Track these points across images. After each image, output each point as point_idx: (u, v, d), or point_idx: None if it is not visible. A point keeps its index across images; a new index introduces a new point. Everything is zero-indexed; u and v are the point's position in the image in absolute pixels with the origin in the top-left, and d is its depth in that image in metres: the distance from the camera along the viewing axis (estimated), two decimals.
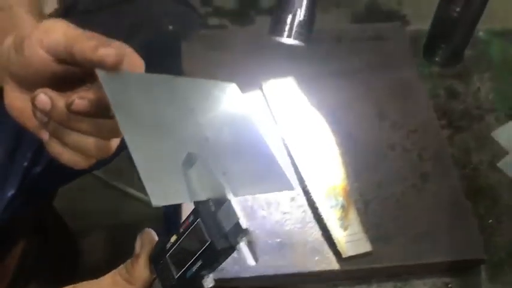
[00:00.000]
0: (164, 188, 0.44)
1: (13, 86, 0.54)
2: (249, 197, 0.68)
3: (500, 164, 0.73)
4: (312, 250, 0.64)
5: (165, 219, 1.22)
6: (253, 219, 0.66)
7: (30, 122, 0.53)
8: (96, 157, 0.54)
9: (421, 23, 0.83)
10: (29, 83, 0.52)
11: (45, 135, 0.53)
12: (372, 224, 0.66)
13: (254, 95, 0.77)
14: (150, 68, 0.89)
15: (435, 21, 0.80)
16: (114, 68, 0.46)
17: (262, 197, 0.68)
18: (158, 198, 0.42)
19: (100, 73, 0.46)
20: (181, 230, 0.46)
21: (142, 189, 0.41)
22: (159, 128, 0.49)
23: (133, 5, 0.90)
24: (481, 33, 0.87)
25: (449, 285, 0.65)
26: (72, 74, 0.50)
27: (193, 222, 0.45)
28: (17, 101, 0.54)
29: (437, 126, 0.75)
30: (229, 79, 0.77)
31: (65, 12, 0.93)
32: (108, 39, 0.51)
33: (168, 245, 0.47)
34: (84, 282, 0.47)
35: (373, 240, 0.64)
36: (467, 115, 0.78)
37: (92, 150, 0.53)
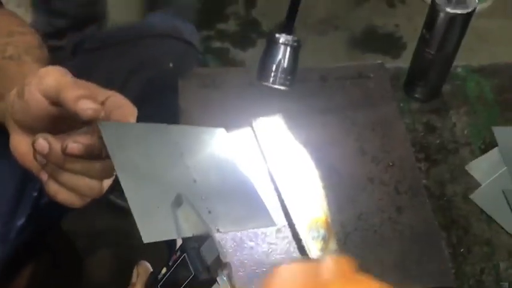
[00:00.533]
0: (154, 225, 0.51)
1: (17, 131, 0.61)
2: None
3: (472, 196, 0.79)
4: None
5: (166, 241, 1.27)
6: (241, 249, 0.72)
7: (32, 164, 0.60)
8: (90, 196, 0.60)
9: None
10: (31, 127, 0.59)
11: (44, 176, 0.60)
12: (351, 255, 0.71)
13: (244, 132, 0.83)
14: (150, 103, 0.96)
15: (413, 61, 0.87)
16: (91, 120, 0.53)
17: (250, 229, 0.74)
18: (148, 235, 0.49)
19: (99, 123, 0.53)
20: (170, 263, 0.53)
21: None
22: (151, 171, 0.56)
23: (137, 44, 0.97)
24: (459, 70, 0.93)
25: None
26: (68, 115, 0.57)
27: (180, 256, 0.52)
28: (21, 145, 0.60)
29: (414, 161, 0.81)
30: (222, 116, 0.84)
31: (73, 49, 1.00)
32: (99, 89, 0.58)
33: (160, 276, 0.54)
34: None
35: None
36: (444, 149, 0.84)
37: (85, 190, 0.59)
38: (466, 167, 0.82)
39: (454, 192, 0.80)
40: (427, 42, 0.81)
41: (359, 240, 0.74)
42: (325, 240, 0.72)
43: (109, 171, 0.61)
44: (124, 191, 0.53)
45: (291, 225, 0.74)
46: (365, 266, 0.71)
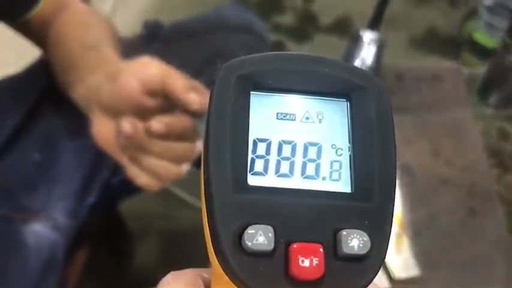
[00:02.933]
0: None
1: (100, 115, 0.67)
2: None
3: None
4: None
5: None
6: None
7: (112, 146, 0.66)
8: (167, 180, 0.67)
9: None
10: (116, 111, 0.65)
11: (124, 159, 0.67)
12: (421, 252, 0.77)
13: None
14: None
15: (491, 67, 0.91)
16: (195, 111, 0.60)
17: None
18: None
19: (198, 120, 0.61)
20: None
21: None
22: None
23: (211, 36, 1.02)
24: None
25: None
26: (154, 106, 0.63)
27: None
28: (103, 128, 0.67)
29: (487, 166, 0.86)
30: None
31: (148, 38, 1.07)
32: (195, 82, 0.64)
33: None
34: None
35: (421, 266, 0.76)
36: None
37: (164, 173, 0.66)
38: None
39: None
40: (509, 49, 0.85)
41: (430, 239, 0.79)
42: (398, 236, 0.77)
43: (188, 154, 0.67)
44: None
45: None
46: (434, 264, 0.76)
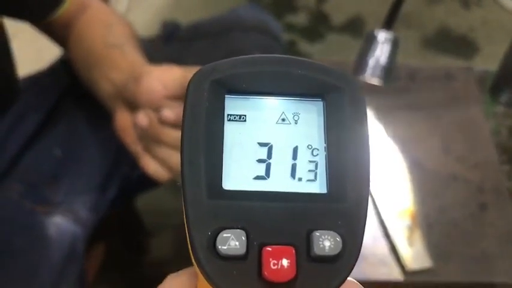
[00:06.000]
0: None
1: (123, 109, 0.71)
2: None
3: None
4: (380, 262, 0.79)
5: None
6: None
7: (129, 137, 0.70)
8: (177, 170, 0.70)
9: (492, 50, 0.95)
10: (136, 107, 0.69)
11: (139, 148, 0.70)
12: (433, 244, 0.80)
13: None
14: None
15: (503, 64, 0.94)
16: None
17: None
18: None
19: None
20: None
21: None
22: None
23: (227, 36, 1.06)
24: None
25: None
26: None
27: None
28: (123, 120, 0.71)
29: (497, 163, 0.89)
30: None
31: (166, 39, 1.10)
32: None
33: None
34: None
35: (433, 258, 0.79)
36: None
37: (175, 164, 0.69)
38: None
39: None
40: None
41: (441, 232, 0.82)
42: (410, 229, 0.80)
43: None
44: None
45: (378, 214, 0.82)
46: (446, 256, 0.79)
